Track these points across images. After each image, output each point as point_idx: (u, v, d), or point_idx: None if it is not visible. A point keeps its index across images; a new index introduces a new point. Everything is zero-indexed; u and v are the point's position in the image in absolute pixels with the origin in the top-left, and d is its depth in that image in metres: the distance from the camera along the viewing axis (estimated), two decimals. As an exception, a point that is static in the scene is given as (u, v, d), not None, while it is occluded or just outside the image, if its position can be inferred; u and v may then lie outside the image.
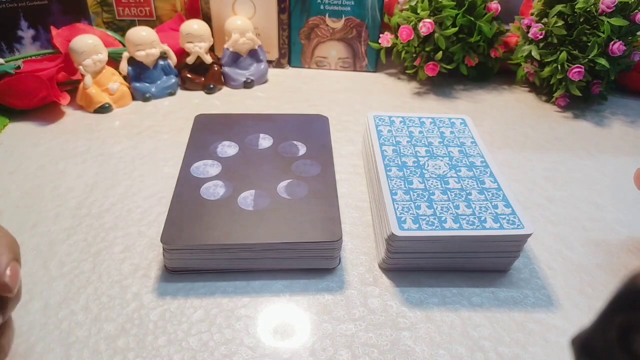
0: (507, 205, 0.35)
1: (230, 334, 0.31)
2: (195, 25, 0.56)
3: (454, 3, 0.55)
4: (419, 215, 0.34)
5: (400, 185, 0.37)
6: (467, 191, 0.36)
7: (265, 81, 0.61)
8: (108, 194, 0.42)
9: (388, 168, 0.38)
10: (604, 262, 0.37)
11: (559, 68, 0.54)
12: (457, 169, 0.39)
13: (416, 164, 0.39)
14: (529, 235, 0.33)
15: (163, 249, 0.34)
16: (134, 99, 0.56)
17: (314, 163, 0.41)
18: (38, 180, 0.43)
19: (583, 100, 0.58)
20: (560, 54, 0.54)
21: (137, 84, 0.55)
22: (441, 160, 0.39)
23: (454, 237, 0.33)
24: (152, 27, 0.57)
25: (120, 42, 0.59)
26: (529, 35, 0.55)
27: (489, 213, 0.34)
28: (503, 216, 0.34)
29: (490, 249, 0.34)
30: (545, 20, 0.55)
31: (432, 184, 0.37)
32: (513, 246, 0.34)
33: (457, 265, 0.35)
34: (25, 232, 0.37)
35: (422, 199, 0.35)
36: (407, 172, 0.38)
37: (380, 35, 0.60)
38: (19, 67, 0.51)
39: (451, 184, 0.37)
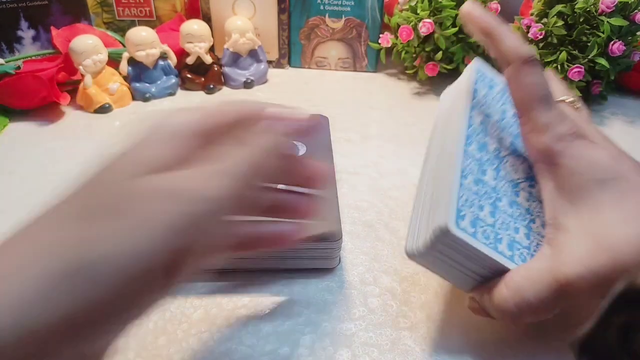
0: None
1: (230, 334, 0.31)
2: (195, 26, 0.56)
3: (454, 3, 0.55)
4: (479, 218, 0.26)
5: (473, 169, 0.28)
6: (532, 217, 0.29)
7: (265, 81, 0.61)
8: (108, 194, 0.42)
9: (469, 141, 0.29)
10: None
11: (559, 68, 0.54)
12: (533, 181, 0.30)
13: (497, 153, 0.30)
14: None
15: (163, 249, 0.34)
16: (134, 99, 0.56)
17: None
18: (38, 180, 0.43)
19: (583, 100, 0.58)
20: (560, 54, 0.54)
21: (137, 84, 0.55)
22: (521, 162, 0.31)
23: (500, 267, 0.26)
24: (152, 27, 0.57)
25: (120, 42, 0.59)
26: (529, 35, 0.55)
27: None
28: None
29: None
30: (545, 20, 0.55)
31: (502, 186, 0.29)
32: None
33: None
34: (25, 232, 0.37)
35: (488, 199, 0.28)
36: (484, 157, 0.30)
37: (380, 35, 0.60)
38: (19, 67, 0.51)
39: (520, 198, 0.29)
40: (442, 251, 0.26)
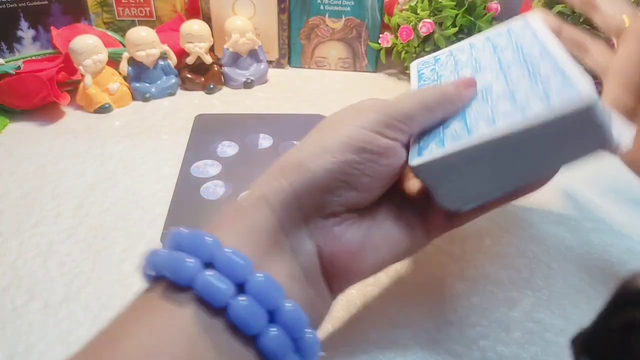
0: (558, 72, 0.25)
1: (230, 334, 0.31)
2: (195, 26, 0.56)
3: (454, 3, 0.55)
4: (446, 135, 0.26)
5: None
6: (514, 82, 0.27)
7: (265, 81, 0.61)
8: (108, 194, 0.42)
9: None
10: (603, 261, 0.37)
11: (559, 68, 0.54)
12: (508, 72, 0.27)
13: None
14: (592, 106, 0.22)
15: (163, 249, 0.34)
16: (134, 99, 0.56)
17: (313, 163, 0.41)
18: (38, 180, 0.43)
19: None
20: (560, 54, 0.54)
21: (137, 84, 0.55)
22: (490, 72, 0.29)
23: (482, 145, 0.24)
24: (152, 27, 0.57)
25: (120, 42, 0.59)
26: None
27: (536, 94, 0.24)
28: (553, 89, 0.24)
29: (551, 143, 0.24)
30: (545, 20, 0.55)
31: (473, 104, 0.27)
32: (582, 128, 0.23)
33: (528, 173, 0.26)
34: (25, 232, 0.37)
35: (453, 118, 0.27)
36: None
37: (380, 35, 0.60)
38: (19, 67, 0.51)
39: (495, 88, 0.27)
40: (440, 182, 0.27)
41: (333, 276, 0.25)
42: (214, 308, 0.20)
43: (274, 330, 0.20)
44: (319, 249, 0.25)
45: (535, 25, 0.31)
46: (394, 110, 0.26)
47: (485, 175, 0.26)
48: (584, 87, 0.23)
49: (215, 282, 0.20)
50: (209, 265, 0.21)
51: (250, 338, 0.20)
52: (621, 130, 0.24)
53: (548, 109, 0.23)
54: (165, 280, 0.21)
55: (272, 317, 0.21)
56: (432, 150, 0.26)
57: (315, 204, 0.24)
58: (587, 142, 0.24)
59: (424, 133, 0.28)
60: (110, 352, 0.19)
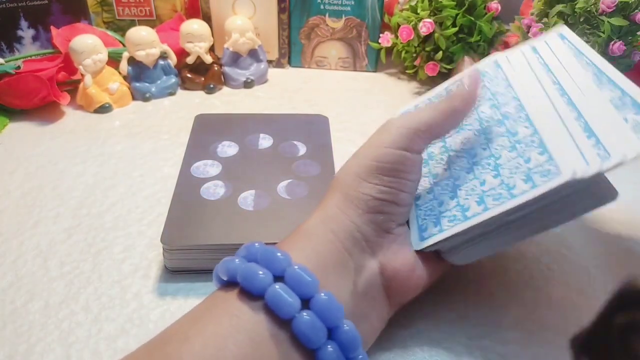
0: (543, 151, 0.25)
1: (230, 334, 0.30)
2: (195, 25, 0.56)
3: (454, 3, 0.55)
4: (441, 213, 0.29)
5: (426, 175, 0.32)
6: (496, 155, 0.28)
7: (265, 81, 0.61)
8: (108, 194, 0.42)
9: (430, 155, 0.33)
10: (603, 262, 0.37)
11: (559, 68, 0.54)
12: (488, 132, 0.30)
13: (443, 150, 0.33)
14: (574, 182, 0.23)
15: (163, 249, 0.34)
16: (134, 99, 0.56)
17: (314, 163, 0.41)
18: (38, 180, 0.43)
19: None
20: (560, 53, 0.53)
21: (137, 84, 0.55)
22: (469, 129, 0.31)
23: (474, 227, 0.26)
24: (152, 27, 0.57)
25: (120, 42, 0.59)
26: (529, 35, 0.55)
27: (520, 172, 0.26)
28: (536, 169, 0.25)
29: (544, 213, 0.26)
30: (545, 20, 0.55)
31: (457, 164, 0.30)
32: (568, 201, 0.26)
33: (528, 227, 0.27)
34: (25, 232, 0.37)
35: (446, 191, 0.30)
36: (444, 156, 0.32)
37: (380, 35, 0.60)
38: (19, 67, 0.51)
39: (478, 155, 0.29)
40: (454, 245, 0.28)
41: (394, 291, 0.28)
42: (280, 319, 0.22)
43: (330, 348, 0.22)
44: (382, 266, 0.27)
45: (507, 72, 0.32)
46: (415, 122, 0.28)
47: (485, 245, 0.28)
48: (563, 163, 0.24)
49: (284, 295, 0.22)
50: (278, 278, 0.22)
51: (310, 351, 0.22)
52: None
53: (531, 190, 0.25)
54: (237, 287, 0.23)
55: (331, 334, 0.22)
56: (431, 233, 0.28)
57: (371, 226, 0.27)
58: (584, 199, 0.27)
59: (421, 205, 0.30)
60: (179, 347, 0.21)
